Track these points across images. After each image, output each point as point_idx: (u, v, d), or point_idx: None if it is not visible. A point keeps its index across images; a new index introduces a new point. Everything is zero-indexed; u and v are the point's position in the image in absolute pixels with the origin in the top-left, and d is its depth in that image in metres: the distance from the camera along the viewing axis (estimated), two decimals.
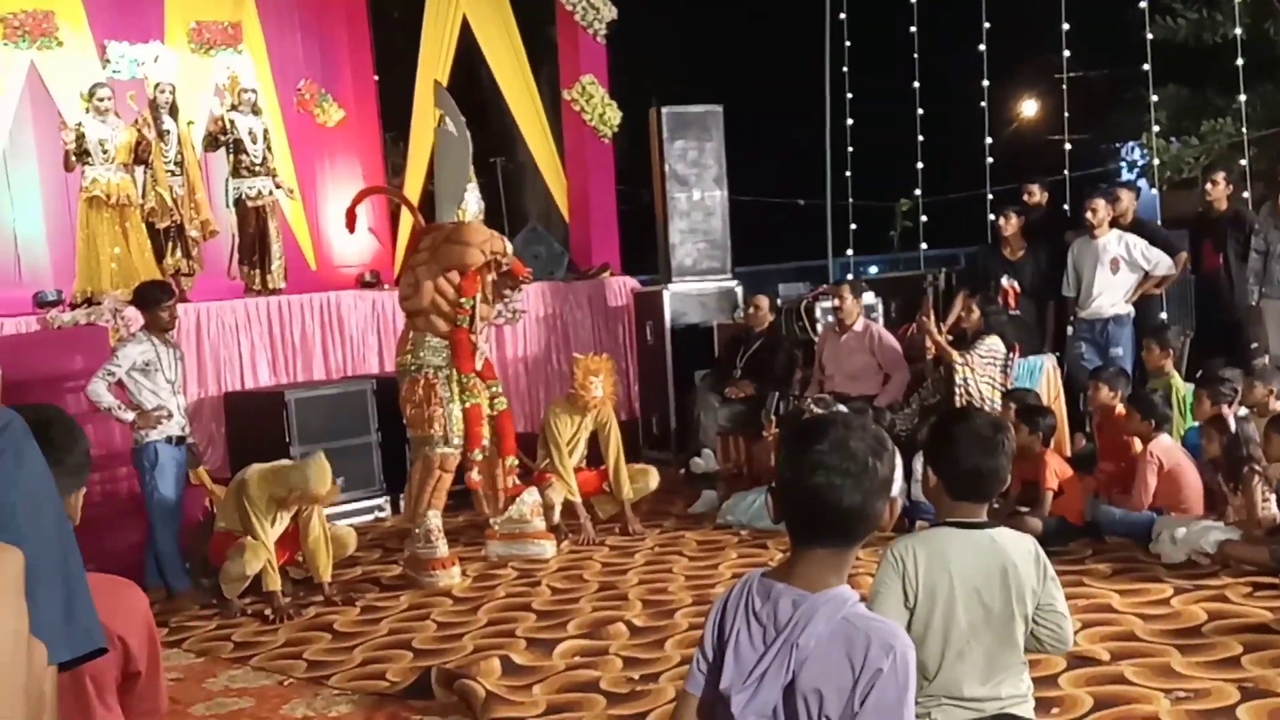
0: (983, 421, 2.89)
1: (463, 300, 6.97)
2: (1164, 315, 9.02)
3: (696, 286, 10.94)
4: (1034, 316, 9.12)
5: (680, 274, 10.97)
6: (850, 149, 12.39)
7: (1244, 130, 10.67)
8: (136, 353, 6.96)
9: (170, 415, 6.98)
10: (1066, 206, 10.64)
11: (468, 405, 6.99)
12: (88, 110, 9.07)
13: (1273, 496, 6.18)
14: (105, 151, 8.98)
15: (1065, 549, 6.50)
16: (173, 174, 9.59)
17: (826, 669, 2.03)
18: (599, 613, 6.11)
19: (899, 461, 7.52)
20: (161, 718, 2.57)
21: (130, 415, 6.87)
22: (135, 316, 7.48)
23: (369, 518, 8.78)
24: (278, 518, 6.69)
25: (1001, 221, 9.25)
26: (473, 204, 7.09)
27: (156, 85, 9.70)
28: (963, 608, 2.73)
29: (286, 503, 6.61)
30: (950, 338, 8.12)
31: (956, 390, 7.83)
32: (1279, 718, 4.20)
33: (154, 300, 7.15)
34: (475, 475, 7.20)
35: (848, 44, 12.23)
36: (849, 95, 12.29)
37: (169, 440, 6.98)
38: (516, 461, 7.39)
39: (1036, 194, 9.80)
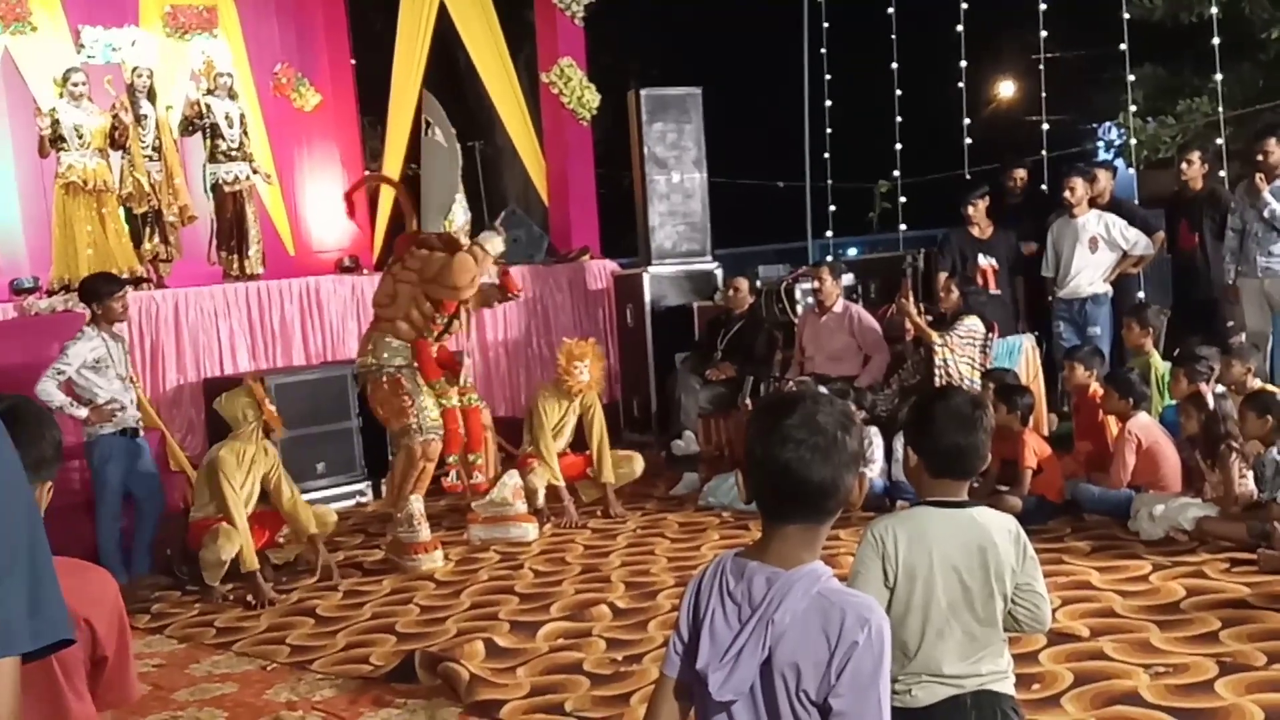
0: (961, 399, 2.91)
1: (437, 317, 7.00)
2: (1141, 294, 9.06)
3: (676, 269, 10.94)
4: (1008, 295, 9.15)
5: (660, 257, 10.97)
6: (829, 130, 12.39)
7: (1220, 109, 10.70)
8: (86, 349, 6.93)
9: (124, 408, 6.95)
10: (1045, 186, 10.67)
11: (445, 407, 7.02)
12: (62, 95, 9.01)
13: (1250, 473, 6.23)
14: (80, 137, 8.93)
15: (1045, 527, 6.55)
16: (150, 159, 9.55)
17: (803, 644, 2.04)
18: (582, 595, 6.13)
19: (879, 442, 7.57)
20: (132, 705, 2.53)
21: (83, 411, 6.85)
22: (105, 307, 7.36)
23: (350, 503, 8.77)
24: (248, 479, 6.71)
25: (970, 211, 9.23)
26: (460, 215, 7.07)
27: (134, 70, 9.65)
28: (942, 586, 2.74)
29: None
30: (929, 318, 8.14)
31: (936, 371, 7.86)
32: (1256, 691, 4.24)
33: (103, 293, 7.11)
34: (453, 478, 7.18)
35: (825, 25, 12.23)
36: (827, 77, 12.29)
37: (122, 433, 6.97)
38: (481, 458, 7.40)
39: (1024, 177, 9.71)
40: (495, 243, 7.02)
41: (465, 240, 7.08)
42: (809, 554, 2.13)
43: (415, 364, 7.01)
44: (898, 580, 2.73)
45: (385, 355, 7.03)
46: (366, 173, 8.06)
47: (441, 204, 7.10)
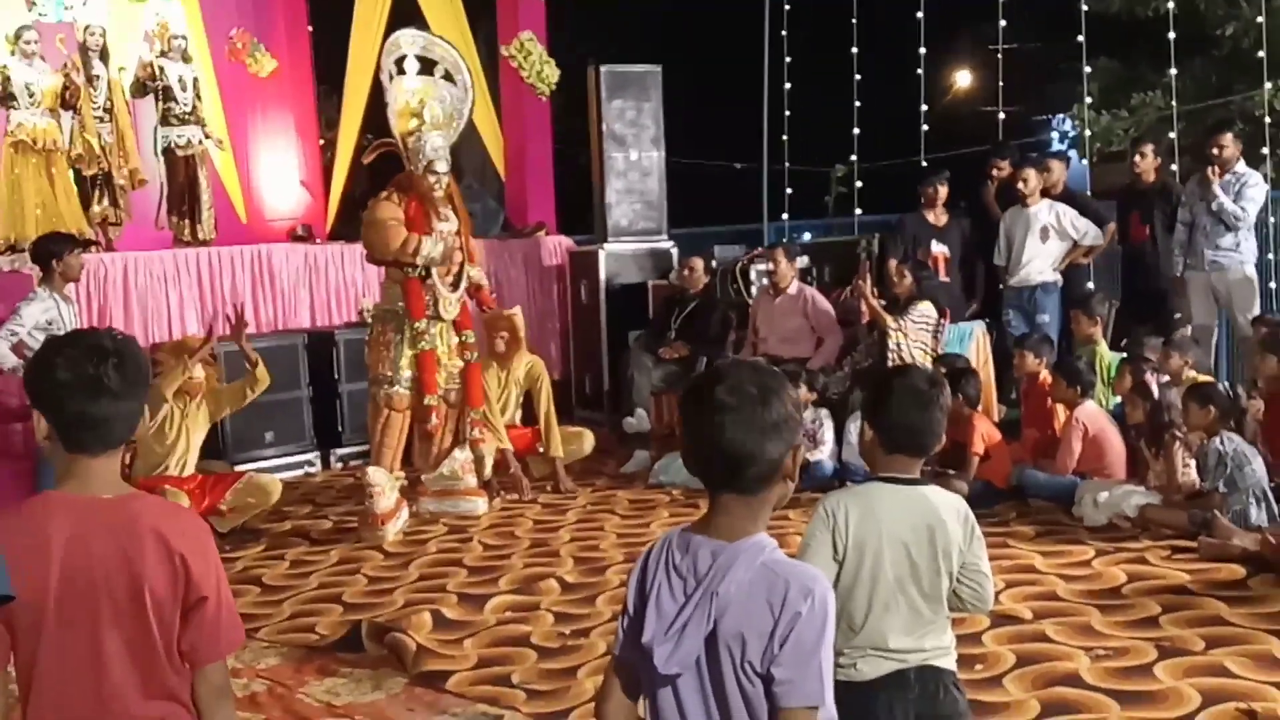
0: (919, 376, 2.93)
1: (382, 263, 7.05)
2: (1091, 285, 9.15)
3: (632, 247, 10.93)
4: (960, 283, 9.21)
5: (616, 234, 10.95)
6: (787, 113, 12.41)
7: (1173, 104, 10.82)
8: (39, 310, 6.84)
9: None
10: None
11: (421, 350, 6.97)
12: (14, 53, 8.87)
13: (1192, 462, 6.32)
14: (31, 95, 8.80)
15: (990, 511, 6.61)
16: (101, 120, 9.41)
17: (747, 615, 2.04)
18: (530, 569, 6.13)
19: (830, 424, 7.63)
20: (238, 648, 2.45)
21: None
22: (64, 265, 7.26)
23: (299, 472, 8.74)
24: (180, 437, 6.77)
25: (932, 191, 9.28)
26: (428, 147, 7.00)
27: (86, 29, 9.50)
28: (890, 561, 2.77)
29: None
30: (883, 302, 8.19)
31: (889, 355, 7.90)
32: (1194, 675, 4.31)
33: (62, 251, 7.01)
34: (434, 420, 7.16)
35: (787, 7, 12.23)
36: (787, 59, 12.30)
37: None
38: (483, 413, 7.40)
39: (1006, 167, 9.65)
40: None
41: (434, 180, 7.02)
42: (752, 526, 2.12)
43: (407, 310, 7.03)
44: (846, 554, 2.76)
45: (388, 298, 7.15)
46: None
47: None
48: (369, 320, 7.30)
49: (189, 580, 2.27)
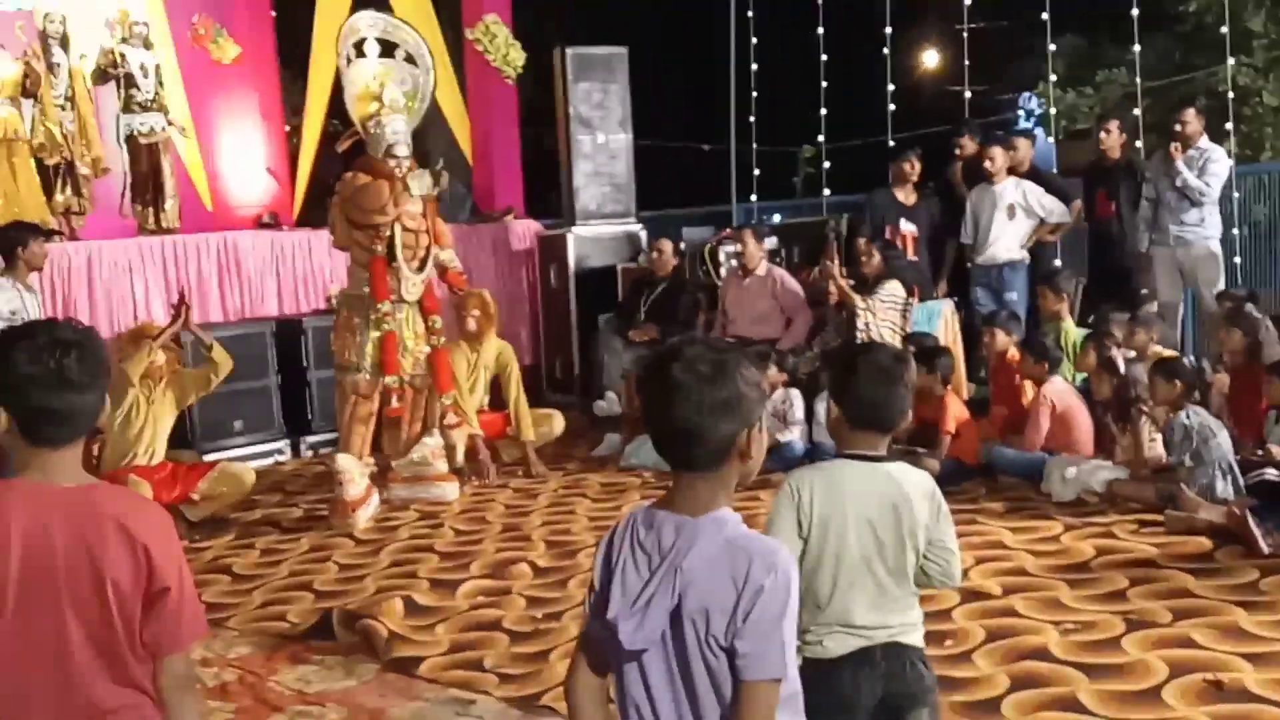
0: (884, 353, 2.93)
1: (379, 231, 6.92)
2: (1058, 262, 9.19)
3: (601, 230, 10.90)
4: (928, 262, 9.24)
5: (584, 217, 10.92)
6: (754, 94, 12.41)
7: (1138, 80, 10.87)
8: (2, 301, 6.77)
9: None
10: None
11: (383, 332, 6.93)
12: None
13: (1159, 437, 6.36)
14: None
15: (960, 489, 6.64)
16: (63, 109, 9.31)
17: (711, 589, 2.05)
18: (502, 553, 6.12)
19: (800, 404, 7.64)
20: (203, 638, 2.43)
21: None
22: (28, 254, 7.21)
23: (269, 461, 8.70)
24: (146, 425, 6.72)
25: (907, 167, 9.30)
26: (388, 133, 6.96)
27: (46, 16, 9.39)
28: (855, 538, 2.77)
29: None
30: (851, 281, 8.21)
31: (858, 334, 7.92)
32: (1161, 647, 4.35)
33: (22, 242, 6.95)
34: (395, 402, 7.13)
35: None
36: (754, 40, 12.29)
37: None
38: (454, 399, 7.37)
39: (970, 145, 9.68)
40: (420, 182, 6.95)
41: (394, 165, 6.97)
42: (714, 502, 2.12)
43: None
44: (811, 530, 2.75)
45: (355, 283, 7.08)
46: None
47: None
48: (336, 306, 7.21)
49: (151, 570, 2.25)
